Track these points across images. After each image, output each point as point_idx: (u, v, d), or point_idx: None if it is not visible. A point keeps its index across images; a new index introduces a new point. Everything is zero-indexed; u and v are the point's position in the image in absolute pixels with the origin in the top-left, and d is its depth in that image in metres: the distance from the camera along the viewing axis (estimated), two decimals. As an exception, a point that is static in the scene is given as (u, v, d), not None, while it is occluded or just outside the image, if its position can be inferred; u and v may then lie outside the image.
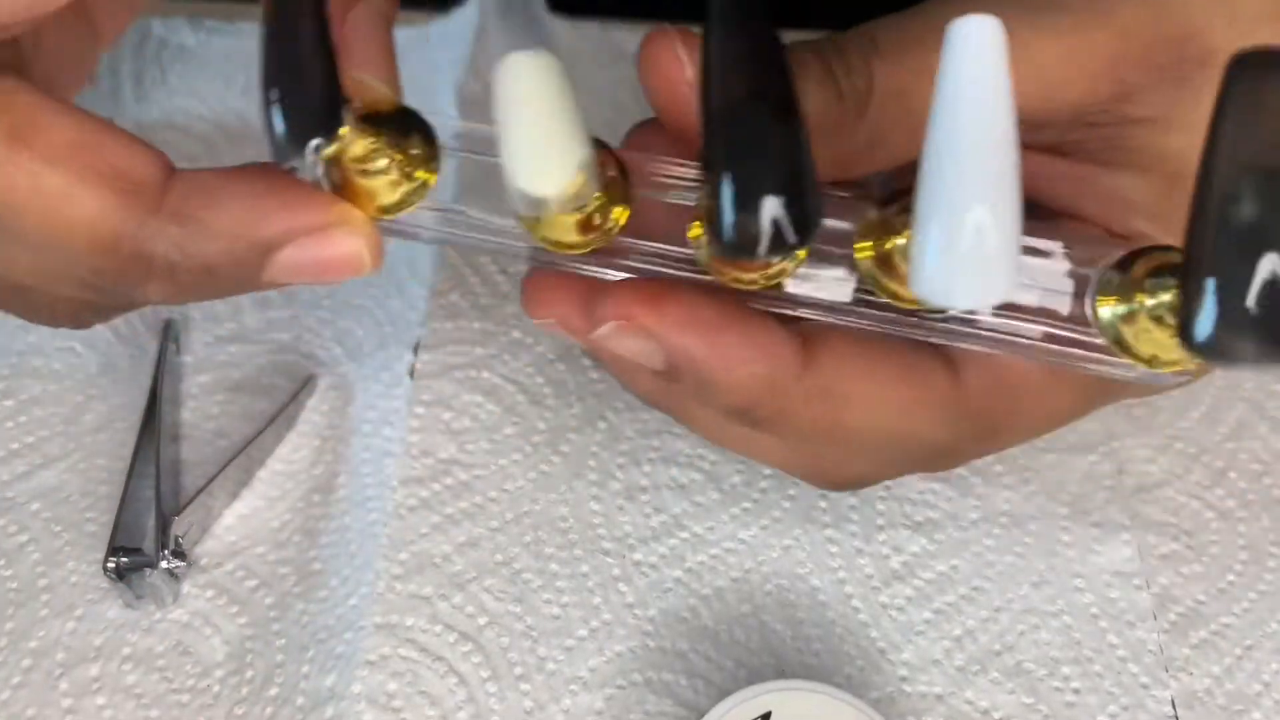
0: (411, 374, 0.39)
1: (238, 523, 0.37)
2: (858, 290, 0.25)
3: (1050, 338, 0.25)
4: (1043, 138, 0.27)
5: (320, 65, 0.21)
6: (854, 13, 0.49)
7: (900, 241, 0.24)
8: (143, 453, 0.37)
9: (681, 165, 0.25)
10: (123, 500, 0.36)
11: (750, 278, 0.25)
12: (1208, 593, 0.36)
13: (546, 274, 0.26)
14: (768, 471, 0.38)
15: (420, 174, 0.24)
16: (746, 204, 0.20)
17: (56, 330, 0.41)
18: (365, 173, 0.23)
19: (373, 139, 0.23)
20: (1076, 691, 0.34)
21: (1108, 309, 0.24)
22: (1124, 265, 0.24)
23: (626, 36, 0.48)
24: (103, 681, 0.34)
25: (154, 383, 0.39)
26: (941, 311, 0.25)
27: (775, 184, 0.20)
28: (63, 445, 0.39)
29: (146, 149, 0.24)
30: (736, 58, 0.21)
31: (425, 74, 0.48)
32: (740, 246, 0.20)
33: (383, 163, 0.23)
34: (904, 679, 0.34)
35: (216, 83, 0.48)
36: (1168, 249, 0.24)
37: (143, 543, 0.35)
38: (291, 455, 0.39)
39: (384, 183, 0.24)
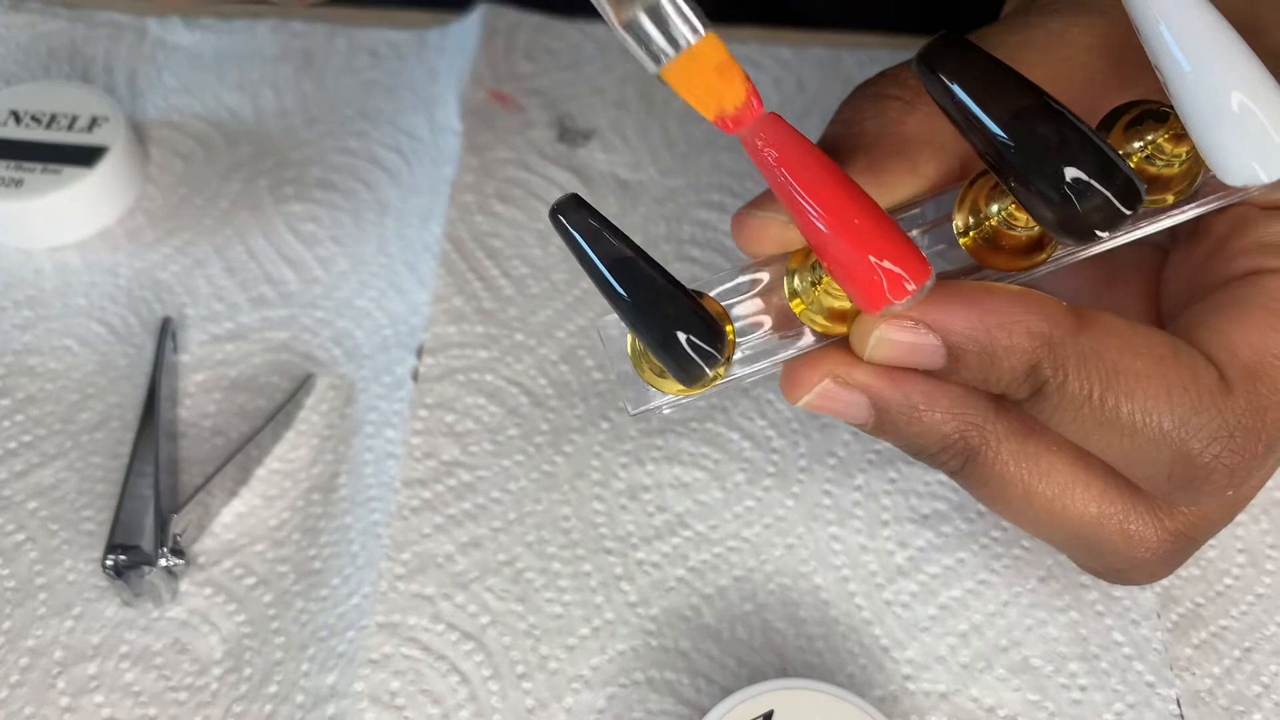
0: (415, 377, 0.39)
1: (236, 521, 0.37)
2: None
3: None
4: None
5: (692, 311, 0.25)
6: (853, 13, 0.49)
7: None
8: (140, 451, 0.37)
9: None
10: (121, 498, 0.36)
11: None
12: (1206, 595, 0.36)
13: (800, 359, 0.27)
14: (771, 470, 0.38)
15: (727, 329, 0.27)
16: (1078, 192, 0.23)
17: (53, 328, 0.41)
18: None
19: None
20: (1083, 689, 0.34)
21: None
22: None
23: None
24: (100, 680, 0.34)
25: (151, 381, 0.39)
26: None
27: (1091, 170, 0.23)
28: (60, 444, 0.38)
29: None
30: (986, 93, 0.23)
31: (425, 81, 0.48)
32: (1088, 228, 0.23)
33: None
34: (908, 677, 0.34)
35: (211, 80, 0.48)
36: None
37: (141, 541, 0.35)
38: (290, 454, 0.39)
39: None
